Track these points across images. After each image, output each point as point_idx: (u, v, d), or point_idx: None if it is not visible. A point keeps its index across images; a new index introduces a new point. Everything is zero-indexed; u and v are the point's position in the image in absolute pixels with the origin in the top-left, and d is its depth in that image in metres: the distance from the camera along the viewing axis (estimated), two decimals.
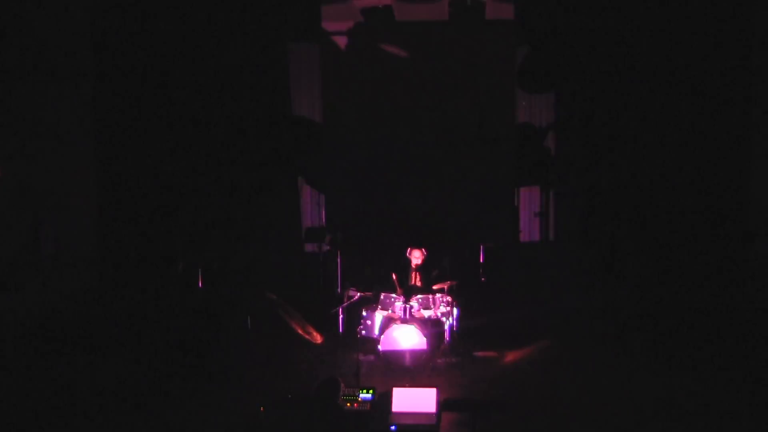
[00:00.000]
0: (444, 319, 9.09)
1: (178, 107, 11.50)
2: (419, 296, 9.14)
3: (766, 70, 10.77)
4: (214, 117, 11.62)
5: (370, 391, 7.17)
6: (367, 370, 8.48)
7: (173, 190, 11.56)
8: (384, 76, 11.71)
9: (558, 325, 10.14)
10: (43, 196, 10.40)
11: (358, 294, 9.24)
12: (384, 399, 7.08)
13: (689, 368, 8.61)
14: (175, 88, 11.47)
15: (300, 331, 9.91)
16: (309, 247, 11.98)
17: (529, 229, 12.10)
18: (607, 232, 11.48)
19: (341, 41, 11.89)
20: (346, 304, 9.33)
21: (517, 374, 8.63)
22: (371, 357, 8.94)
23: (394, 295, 9.10)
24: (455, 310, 9.20)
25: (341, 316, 9.38)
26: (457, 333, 9.20)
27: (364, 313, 9.19)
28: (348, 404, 7.00)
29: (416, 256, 9.60)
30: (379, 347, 8.68)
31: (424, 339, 8.52)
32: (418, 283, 9.55)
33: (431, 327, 8.89)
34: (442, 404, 6.80)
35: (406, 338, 8.57)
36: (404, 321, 8.77)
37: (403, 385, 7.18)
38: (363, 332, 9.04)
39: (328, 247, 11.35)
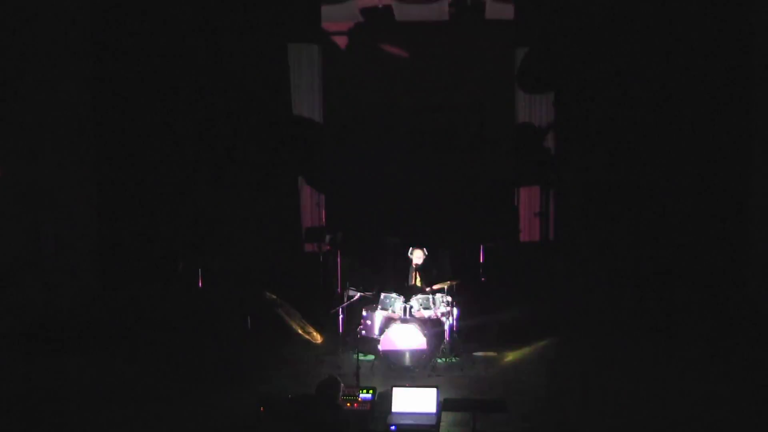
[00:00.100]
0: (444, 319, 9.09)
1: (178, 107, 11.50)
2: (419, 296, 9.14)
3: (767, 70, 10.76)
4: (214, 117, 11.62)
5: (370, 391, 7.17)
6: (367, 370, 8.48)
7: (173, 190, 11.56)
8: (384, 76, 11.71)
9: (558, 325, 10.14)
10: (43, 196, 10.40)
11: (358, 294, 9.24)
12: (384, 399, 7.08)
13: (689, 368, 8.61)
14: (175, 88, 11.47)
15: (300, 331, 9.90)
16: (309, 247, 11.98)
17: (529, 229, 12.10)
18: (606, 232, 11.47)
19: (341, 41, 11.90)
20: (346, 304, 9.32)
21: (517, 374, 8.63)
22: (371, 357, 8.94)
23: (394, 294, 9.10)
24: (455, 310, 9.19)
25: (341, 316, 9.38)
26: (457, 333, 9.19)
27: (364, 313, 9.19)
28: (348, 404, 6.99)
29: (417, 256, 9.59)
30: (379, 347, 8.68)
31: (424, 339, 8.52)
32: (418, 283, 9.55)
33: (431, 327, 8.88)
34: (442, 404, 6.80)
35: (406, 338, 8.57)
36: (404, 321, 8.76)
37: (403, 385, 7.18)
38: (363, 332, 9.04)
39: (328, 247, 11.34)
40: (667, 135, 11.29)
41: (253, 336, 9.65)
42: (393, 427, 6.65)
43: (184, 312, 10.10)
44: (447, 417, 6.99)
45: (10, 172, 9.90)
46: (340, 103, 11.85)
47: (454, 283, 9.25)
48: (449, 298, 9.20)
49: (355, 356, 8.12)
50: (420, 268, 9.62)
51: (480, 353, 9.22)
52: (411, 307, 8.95)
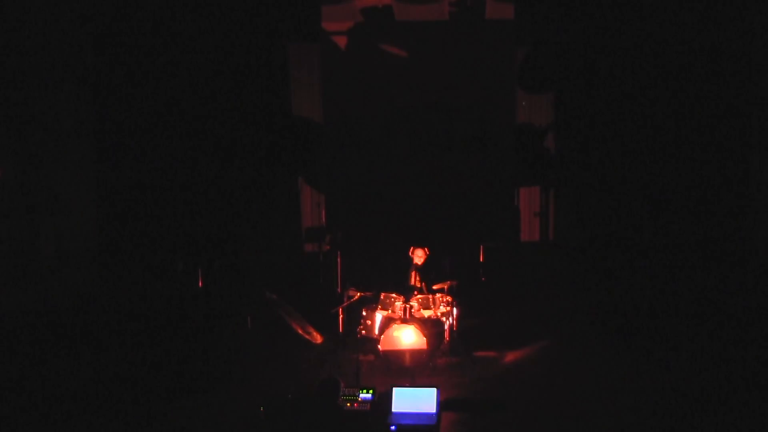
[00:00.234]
0: (444, 319, 9.09)
1: (178, 107, 11.50)
2: (419, 296, 9.14)
3: (767, 70, 10.77)
4: (214, 117, 11.63)
5: (370, 391, 7.18)
6: (367, 370, 8.48)
7: (173, 190, 11.56)
8: (384, 76, 11.72)
9: (558, 325, 10.14)
10: (43, 196, 10.40)
11: (358, 294, 9.24)
12: (384, 399, 7.08)
13: (689, 368, 8.61)
14: (175, 88, 11.47)
15: (300, 331, 9.90)
16: (309, 247, 11.99)
17: (529, 229, 12.11)
18: (606, 232, 11.48)
19: (341, 41, 11.90)
20: (346, 304, 9.32)
21: (517, 374, 8.63)
22: (371, 357, 8.94)
23: (394, 294, 9.10)
24: (455, 310, 9.19)
25: (341, 316, 9.38)
26: (457, 333, 9.19)
27: (364, 313, 9.19)
28: (348, 404, 7.00)
29: (419, 255, 9.59)
30: (379, 347, 8.68)
31: (424, 339, 8.52)
32: (418, 283, 9.55)
33: (431, 327, 8.88)
34: (442, 404, 6.80)
35: (406, 338, 8.57)
36: (404, 321, 8.77)
37: (403, 385, 7.18)
38: (363, 332, 9.05)
39: (328, 247, 11.35)
40: (667, 135, 11.29)
41: (253, 336, 9.65)
42: (393, 427, 6.66)
43: (184, 312, 10.11)
44: (447, 417, 7.00)
45: (10, 172, 9.90)
46: (340, 103, 11.85)
47: (453, 283, 9.26)
48: (449, 298, 9.20)
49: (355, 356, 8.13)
50: (420, 268, 9.63)
51: (480, 353, 9.23)
52: (411, 307, 8.95)
